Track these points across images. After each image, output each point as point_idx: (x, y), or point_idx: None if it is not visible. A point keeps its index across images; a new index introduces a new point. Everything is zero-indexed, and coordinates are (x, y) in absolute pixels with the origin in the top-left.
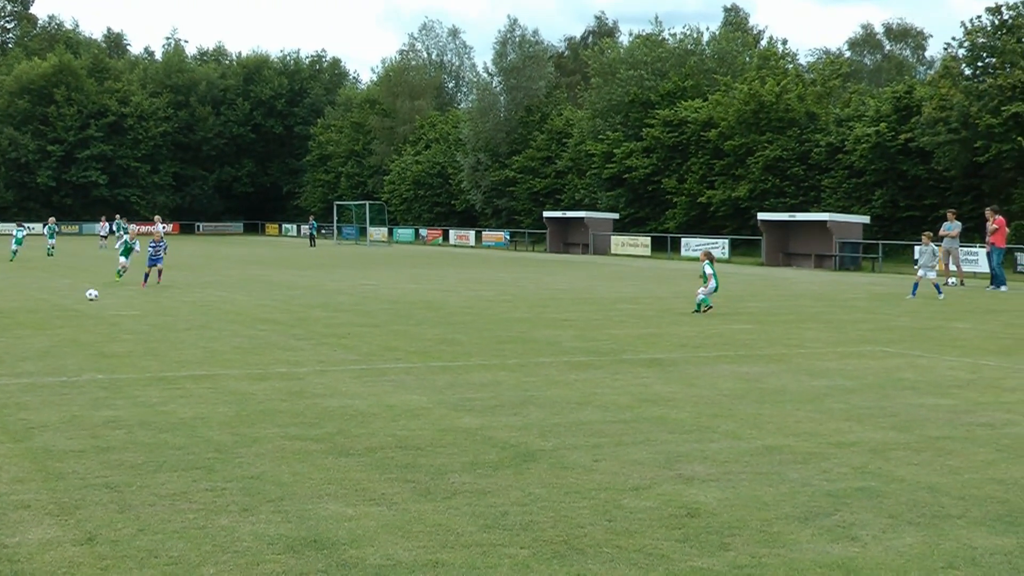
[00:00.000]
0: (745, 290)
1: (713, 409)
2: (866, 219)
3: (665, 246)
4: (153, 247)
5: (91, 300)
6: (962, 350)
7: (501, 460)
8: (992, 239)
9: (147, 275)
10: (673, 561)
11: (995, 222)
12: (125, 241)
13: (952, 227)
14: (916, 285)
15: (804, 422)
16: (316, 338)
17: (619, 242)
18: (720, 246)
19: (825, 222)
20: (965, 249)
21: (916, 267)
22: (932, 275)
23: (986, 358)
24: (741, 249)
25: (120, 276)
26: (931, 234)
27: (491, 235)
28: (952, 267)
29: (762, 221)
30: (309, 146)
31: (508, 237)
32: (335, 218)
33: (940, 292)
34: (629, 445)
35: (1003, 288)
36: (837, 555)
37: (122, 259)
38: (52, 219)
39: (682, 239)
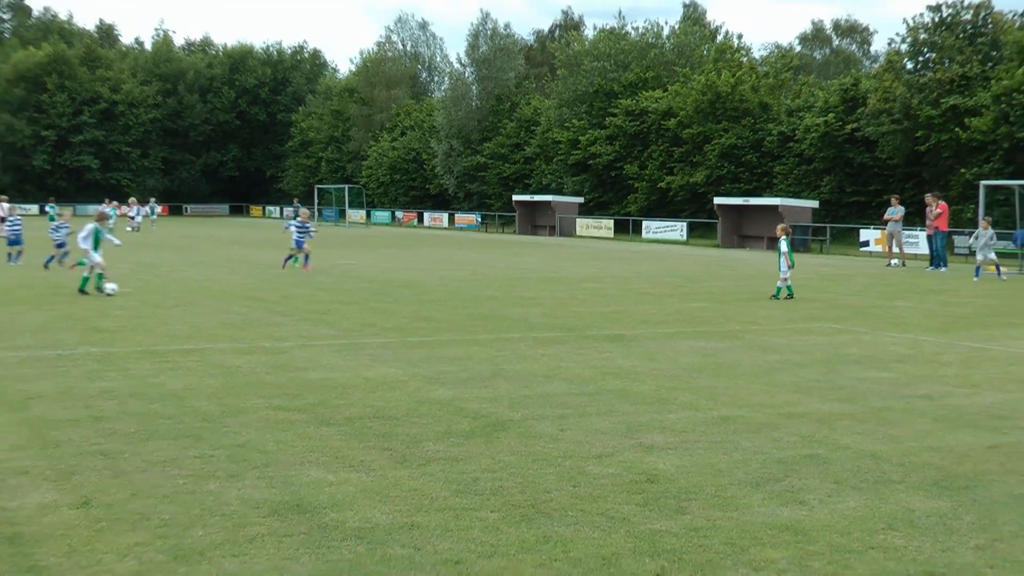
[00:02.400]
0: (703, 271)
1: (672, 382)
2: (815, 204)
3: (627, 229)
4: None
5: (110, 295)
6: (903, 327)
7: (472, 429)
8: (936, 223)
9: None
10: (633, 524)
11: (939, 207)
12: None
13: (895, 212)
14: (978, 268)
15: (757, 394)
16: (298, 314)
17: (584, 225)
18: (679, 229)
19: (777, 206)
20: (907, 232)
21: (975, 250)
22: (992, 256)
23: (925, 335)
24: (698, 232)
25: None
26: (990, 219)
27: (463, 218)
28: (895, 249)
29: (718, 205)
30: (291, 132)
31: (479, 219)
32: (316, 201)
33: (1000, 274)
34: (593, 416)
35: (943, 269)
36: (786, 517)
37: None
38: (52, 200)
39: (643, 222)
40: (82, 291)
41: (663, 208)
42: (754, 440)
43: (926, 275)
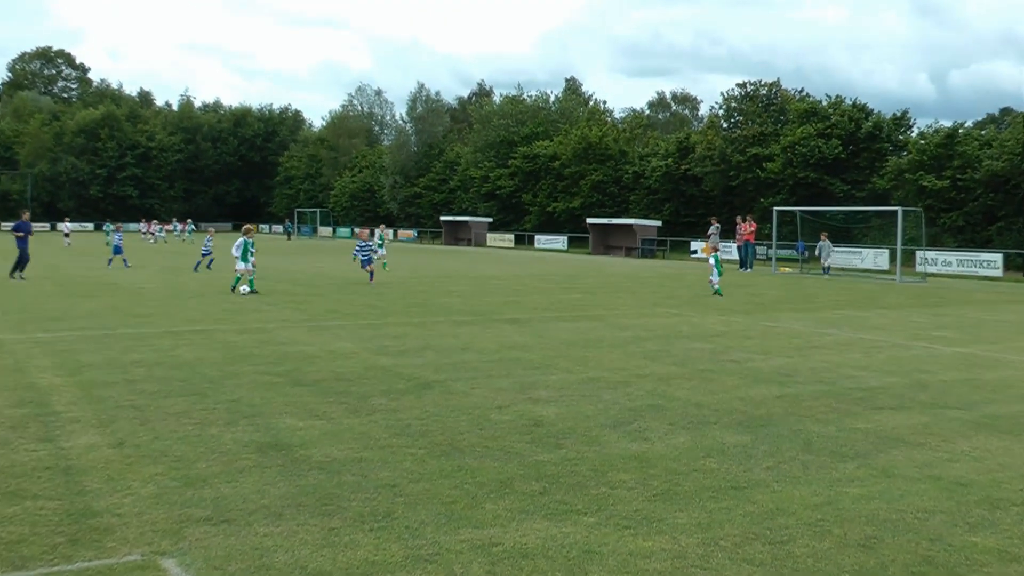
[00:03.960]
0: (578, 272)
1: (554, 352)
2: (659, 223)
3: (524, 241)
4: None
5: (245, 294)
6: (720, 311)
7: (407, 388)
8: (747, 237)
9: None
10: (524, 456)
11: (751, 226)
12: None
13: (715, 229)
14: (827, 268)
15: (615, 360)
16: (280, 304)
17: (492, 238)
18: (562, 241)
19: (632, 225)
20: (724, 243)
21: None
22: (830, 261)
23: (735, 316)
24: (575, 243)
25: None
26: (827, 233)
27: (404, 232)
28: None
29: (590, 224)
30: (278, 170)
31: (416, 234)
32: (296, 220)
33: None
34: (496, 377)
35: (749, 270)
36: (635, 450)
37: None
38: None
39: (535, 236)
40: (233, 290)
41: (550, 226)
42: (612, 394)
43: (737, 274)
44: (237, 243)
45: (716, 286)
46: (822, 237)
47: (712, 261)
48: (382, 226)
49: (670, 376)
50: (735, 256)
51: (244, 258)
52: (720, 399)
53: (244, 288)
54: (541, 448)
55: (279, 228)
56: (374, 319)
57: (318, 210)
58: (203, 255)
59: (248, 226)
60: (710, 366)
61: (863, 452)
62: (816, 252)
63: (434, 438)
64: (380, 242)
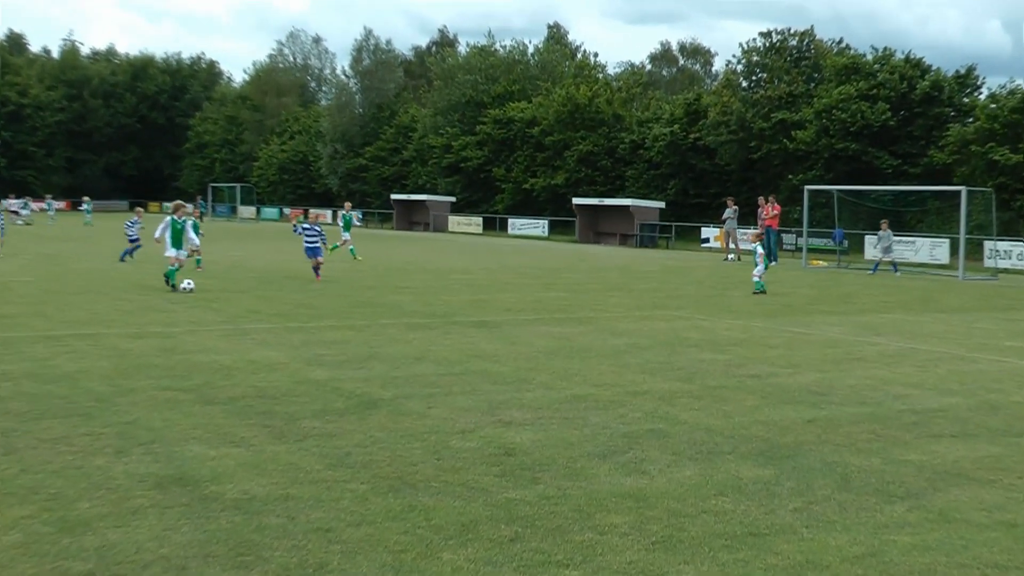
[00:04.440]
0: (561, 263)
1: (530, 364)
2: (662, 205)
3: (495, 225)
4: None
5: (189, 291)
6: (736, 314)
7: (347, 407)
8: (769, 222)
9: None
10: (491, 493)
11: (774, 208)
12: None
13: (731, 212)
14: (876, 265)
15: (606, 374)
16: (189, 301)
17: (455, 221)
18: (541, 226)
19: (628, 207)
20: (741, 230)
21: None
22: (892, 255)
23: (755, 320)
24: (558, 229)
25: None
26: (887, 220)
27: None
28: (731, 245)
29: (576, 205)
30: (188, 135)
31: (361, 216)
32: (210, 198)
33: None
34: (458, 394)
35: (773, 263)
36: (629, 486)
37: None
38: None
39: (509, 219)
40: (170, 285)
41: (527, 207)
42: (602, 416)
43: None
44: (162, 224)
45: (759, 280)
46: (882, 226)
47: (759, 250)
48: (348, 204)
49: (674, 394)
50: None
51: (177, 244)
52: (736, 423)
53: (187, 284)
54: (513, 483)
55: (139, 209)
56: (307, 321)
57: (238, 185)
58: (131, 241)
59: (179, 202)
60: (724, 382)
61: (915, 491)
62: (876, 245)
63: (380, 470)
64: (347, 222)
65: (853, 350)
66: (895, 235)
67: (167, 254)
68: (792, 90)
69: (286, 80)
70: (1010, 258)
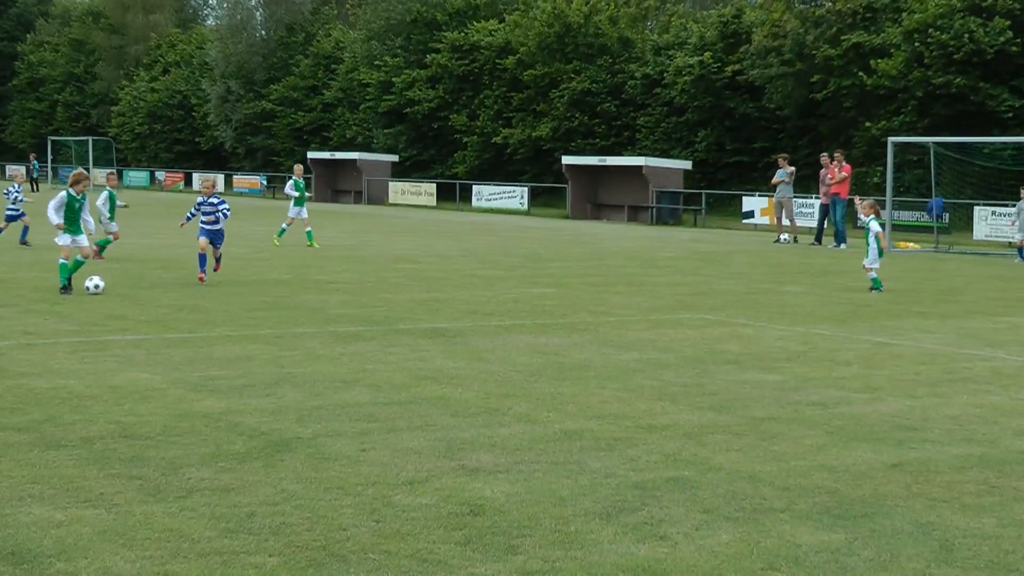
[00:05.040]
0: (547, 248)
1: (504, 388)
2: (688, 164)
3: (453, 195)
4: None
5: (96, 292)
6: (793, 318)
7: (249, 451)
8: (836, 188)
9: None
10: (453, 568)
11: (844, 169)
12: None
13: (785, 174)
14: (1021, 250)
15: (610, 402)
16: (22, 304)
17: (398, 189)
18: (519, 195)
19: (641, 167)
20: (800, 200)
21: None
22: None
23: (819, 327)
24: (542, 199)
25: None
26: None
27: (244, 180)
28: (785, 221)
29: (567, 166)
30: (16, 68)
31: (265, 182)
32: (50, 157)
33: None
34: (404, 431)
35: (843, 246)
36: (643, 557)
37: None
38: None
39: (473, 186)
40: (64, 287)
41: (499, 169)
42: (605, 460)
43: (816, 252)
44: (56, 200)
45: (874, 274)
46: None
47: (875, 229)
48: (299, 168)
49: (705, 429)
50: (811, 223)
51: (74, 227)
52: (792, 469)
53: (93, 283)
54: (481, 554)
55: (18, 169)
56: (191, 330)
57: (90, 139)
58: (8, 219)
59: (81, 171)
60: (774, 412)
61: None
62: (1015, 222)
63: (296, 537)
64: (298, 193)
65: (957, 368)
66: (997, 203)
67: (59, 241)
68: (871, 1)
69: None
70: None
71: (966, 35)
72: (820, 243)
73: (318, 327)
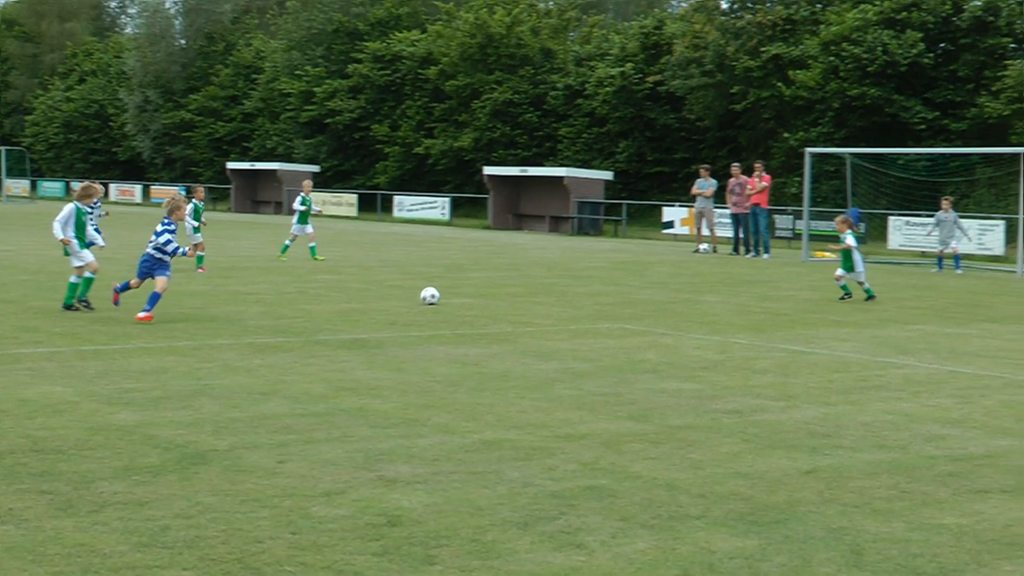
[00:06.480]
0: (467, 258)
1: (424, 398)
2: (609, 175)
3: (375, 205)
4: None
5: (432, 303)
6: (711, 327)
7: (164, 464)
8: (755, 199)
9: None
10: None
11: (764, 179)
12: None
13: (706, 185)
14: (940, 260)
15: (529, 412)
16: None
17: (320, 200)
18: (441, 206)
19: (562, 178)
20: (720, 211)
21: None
22: (954, 244)
23: (737, 335)
24: (464, 210)
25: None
26: (951, 199)
27: (162, 191)
28: (705, 231)
29: (489, 177)
30: None
31: (184, 193)
32: None
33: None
34: (322, 442)
35: (766, 256)
36: (560, 565)
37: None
38: None
39: (395, 197)
40: (71, 304)
41: (420, 180)
42: (523, 470)
43: (735, 262)
44: (63, 213)
45: (866, 283)
46: (944, 205)
47: (850, 243)
48: (307, 184)
49: (623, 437)
50: (729, 233)
51: (80, 239)
52: (708, 477)
53: (430, 292)
54: (399, 564)
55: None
56: (105, 342)
57: (3, 149)
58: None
59: (89, 183)
60: (692, 420)
61: (954, 567)
62: (933, 231)
63: (211, 551)
64: (305, 206)
65: (870, 375)
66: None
67: (76, 261)
68: (791, 14)
69: None
70: None
71: (880, 48)
72: (738, 253)
73: (236, 338)
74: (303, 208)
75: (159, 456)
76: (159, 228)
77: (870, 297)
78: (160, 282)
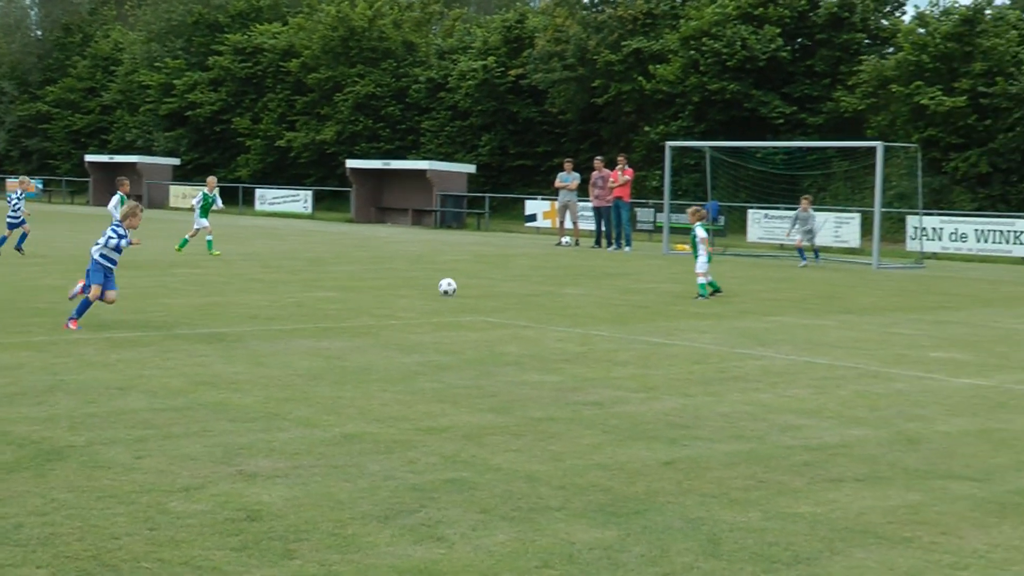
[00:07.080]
0: (330, 251)
1: (285, 392)
2: (471, 168)
3: (236, 198)
4: None
5: (450, 293)
6: (573, 319)
7: (18, 460)
8: (617, 192)
9: None
10: (228, 574)
11: (626, 173)
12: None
13: (569, 179)
14: (817, 252)
15: (391, 405)
16: None
17: (180, 193)
18: (303, 199)
19: (425, 171)
20: (583, 204)
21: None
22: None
23: (598, 328)
24: (326, 203)
25: None
26: (810, 198)
27: (16, 184)
28: (568, 224)
29: (351, 170)
30: None
31: (41, 187)
32: None
33: (803, 259)
34: (180, 437)
35: (627, 249)
36: (420, 558)
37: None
38: None
39: (256, 190)
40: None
41: (282, 173)
42: (384, 463)
43: (596, 255)
44: (112, 202)
45: (704, 280)
46: (803, 204)
47: (700, 235)
48: (211, 181)
49: (484, 430)
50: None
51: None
52: (568, 468)
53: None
54: (258, 559)
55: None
56: None
57: None
58: (11, 226)
59: (123, 178)
60: (553, 412)
61: (807, 555)
62: (792, 227)
63: (66, 547)
64: (208, 201)
65: (728, 366)
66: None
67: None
68: (651, 8)
69: None
70: (940, 239)
71: (739, 43)
72: (600, 246)
73: (92, 333)
74: (201, 204)
75: (13, 453)
76: (111, 231)
77: (701, 295)
78: (94, 290)
